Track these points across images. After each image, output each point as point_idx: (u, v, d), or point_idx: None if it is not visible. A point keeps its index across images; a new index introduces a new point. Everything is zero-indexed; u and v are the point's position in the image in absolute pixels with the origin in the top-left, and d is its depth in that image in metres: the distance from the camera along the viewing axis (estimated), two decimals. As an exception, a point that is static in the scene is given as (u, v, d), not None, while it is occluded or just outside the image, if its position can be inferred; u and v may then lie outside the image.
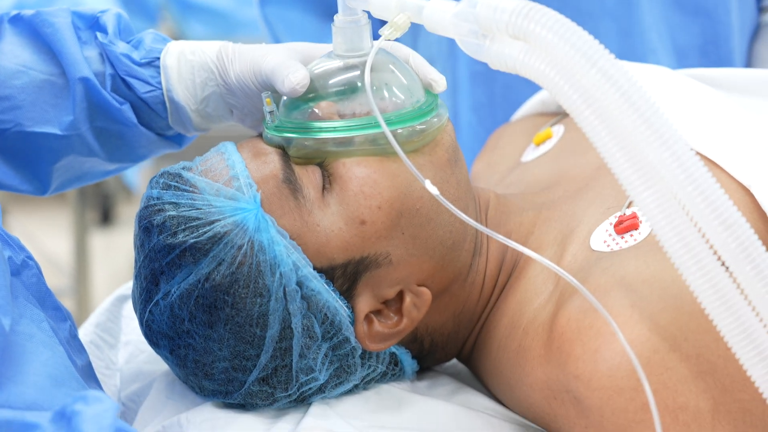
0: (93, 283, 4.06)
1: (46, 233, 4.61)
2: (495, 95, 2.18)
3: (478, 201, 1.50)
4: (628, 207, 1.40)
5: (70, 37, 1.50)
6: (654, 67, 1.70)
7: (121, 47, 1.51)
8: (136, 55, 1.51)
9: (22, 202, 5.03)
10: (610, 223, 1.39)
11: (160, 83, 1.51)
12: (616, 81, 1.12)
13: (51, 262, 4.08)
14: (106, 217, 5.37)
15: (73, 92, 1.49)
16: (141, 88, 1.51)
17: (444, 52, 2.18)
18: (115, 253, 4.94)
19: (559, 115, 1.79)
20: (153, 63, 1.51)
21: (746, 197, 1.36)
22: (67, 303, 3.65)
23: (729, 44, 2.11)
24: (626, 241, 1.36)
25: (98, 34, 1.51)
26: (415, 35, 2.20)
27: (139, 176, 4.61)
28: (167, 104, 1.52)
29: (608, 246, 1.37)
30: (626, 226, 1.37)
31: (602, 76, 1.12)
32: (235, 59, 1.47)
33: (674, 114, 1.15)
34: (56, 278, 3.99)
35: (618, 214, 1.40)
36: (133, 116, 1.52)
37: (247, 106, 1.50)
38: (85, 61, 1.50)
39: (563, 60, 1.14)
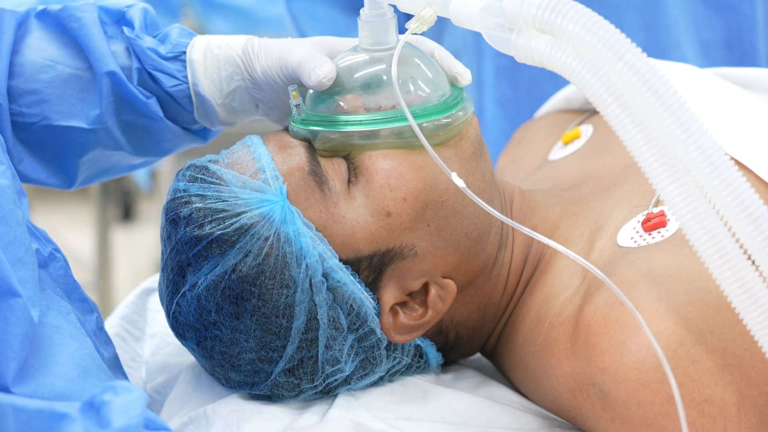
0: (115, 279, 4.08)
1: (68, 229, 4.63)
2: (520, 90, 2.18)
3: (503, 195, 1.51)
4: (655, 205, 1.40)
5: (97, 32, 1.51)
6: (681, 65, 1.69)
7: (147, 41, 1.52)
8: (163, 50, 1.52)
9: (45, 198, 5.05)
10: (638, 221, 1.39)
11: (186, 77, 1.51)
12: (643, 75, 1.12)
13: (73, 258, 4.07)
14: (127, 213, 5.39)
15: (99, 86, 1.50)
16: (167, 82, 1.51)
17: (470, 46, 2.18)
18: (137, 248, 4.96)
19: (584, 112, 1.79)
20: (179, 57, 1.52)
21: (772, 195, 1.36)
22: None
23: (753, 38, 2.11)
24: (653, 238, 1.36)
25: (125, 29, 1.52)
26: (440, 29, 2.20)
27: (150, 177, 4.63)
28: (193, 98, 1.52)
29: (635, 242, 1.37)
30: (654, 223, 1.37)
31: (629, 69, 1.12)
32: (261, 53, 1.48)
33: (701, 112, 1.15)
34: (78, 274, 3.96)
35: (646, 212, 1.40)
36: (159, 110, 1.52)
37: (273, 100, 1.51)
38: (111, 55, 1.50)
39: (590, 53, 1.14)
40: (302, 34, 2.27)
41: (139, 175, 4.44)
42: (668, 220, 1.37)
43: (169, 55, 1.52)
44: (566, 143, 1.71)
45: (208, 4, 4.49)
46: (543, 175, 1.68)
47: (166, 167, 4.26)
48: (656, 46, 2.09)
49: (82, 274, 4.03)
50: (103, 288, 3.95)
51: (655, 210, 1.39)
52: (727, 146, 1.39)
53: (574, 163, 1.64)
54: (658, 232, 1.37)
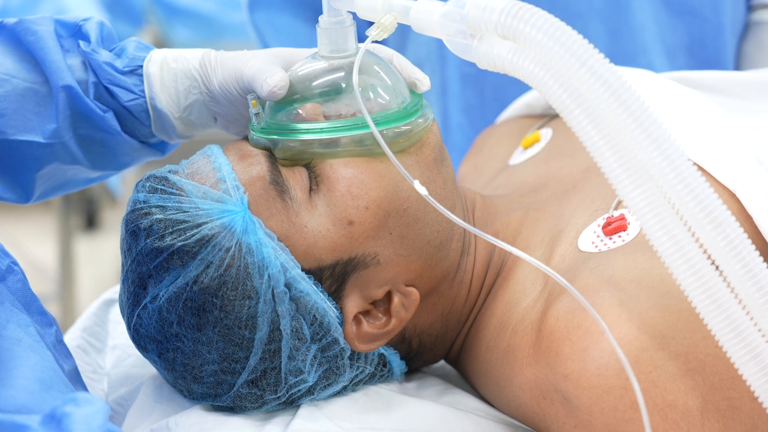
0: (78, 289, 4.05)
1: (31, 239, 4.59)
2: (486, 97, 2.18)
3: (465, 201, 1.50)
4: (616, 209, 1.40)
5: (53, 45, 1.49)
6: (638, 71, 1.70)
7: (103, 55, 1.50)
8: (119, 64, 1.51)
9: (6, 209, 5.02)
10: (598, 225, 1.40)
11: (143, 91, 1.50)
12: (606, 80, 1.12)
13: (36, 268, 4.07)
14: (90, 222, 5.35)
15: (56, 100, 1.48)
16: (124, 96, 1.50)
17: (433, 54, 2.18)
18: (101, 258, 4.93)
19: (545, 117, 1.79)
20: (136, 71, 1.51)
21: (731, 200, 1.36)
22: (53, 309, 3.63)
23: (717, 43, 2.11)
24: (614, 242, 1.36)
25: (81, 43, 1.51)
26: (404, 37, 2.19)
27: (122, 182, 4.60)
28: (150, 112, 1.51)
29: (596, 247, 1.37)
30: (614, 227, 1.37)
31: (592, 75, 1.12)
32: (217, 67, 1.47)
33: (663, 117, 1.15)
34: (42, 284, 3.98)
35: (606, 215, 1.40)
36: (116, 124, 1.51)
37: (231, 113, 1.50)
38: (68, 69, 1.49)
39: (553, 60, 1.14)
40: (265, 45, 2.26)
41: (111, 181, 4.41)
42: (629, 223, 1.37)
43: (126, 69, 1.51)
44: (526, 147, 1.71)
45: (171, 12, 4.47)
46: (504, 180, 1.68)
47: (132, 176, 4.24)
48: (621, 52, 2.10)
49: (45, 285, 4.00)
50: (66, 298, 3.92)
51: (616, 213, 1.39)
52: (685, 150, 1.39)
53: (534, 167, 1.64)
54: (619, 236, 1.37)
